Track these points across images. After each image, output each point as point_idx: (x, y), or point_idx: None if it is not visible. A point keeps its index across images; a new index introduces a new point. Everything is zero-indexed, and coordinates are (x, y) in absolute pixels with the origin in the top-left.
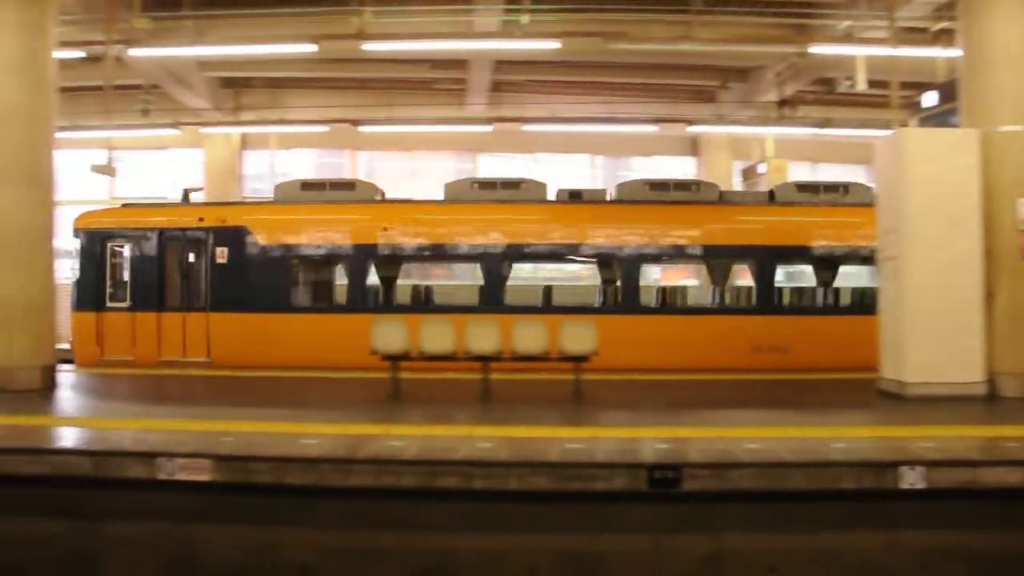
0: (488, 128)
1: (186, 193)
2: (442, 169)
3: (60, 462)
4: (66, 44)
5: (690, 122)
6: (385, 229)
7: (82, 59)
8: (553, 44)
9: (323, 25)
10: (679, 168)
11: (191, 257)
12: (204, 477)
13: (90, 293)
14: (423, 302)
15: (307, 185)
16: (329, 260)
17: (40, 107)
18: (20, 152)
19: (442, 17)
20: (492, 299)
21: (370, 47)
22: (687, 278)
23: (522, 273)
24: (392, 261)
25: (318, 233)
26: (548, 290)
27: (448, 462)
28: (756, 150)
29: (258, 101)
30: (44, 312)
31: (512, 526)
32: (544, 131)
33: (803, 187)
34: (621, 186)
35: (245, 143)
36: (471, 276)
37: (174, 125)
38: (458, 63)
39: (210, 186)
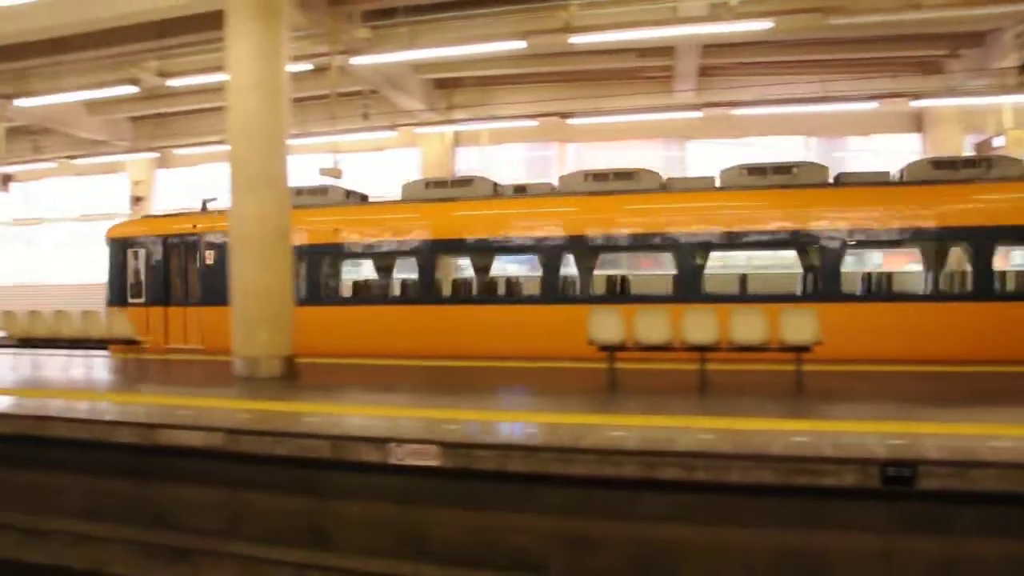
0: (697, 114)
1: (204, 203)
2: (650, 158)
3: (304, 445)
4: (296, 59)
5: (914, 96)
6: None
7: (309, 71)
8: (766, 24)
9: (531, 21)
10: (902, 146)
11: (188, 259)
12: (431, 463)
13: (116, 291)
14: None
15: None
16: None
17: (277, 120)
18: (263, 161)
19: (648, 5)
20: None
21: (577, 40)
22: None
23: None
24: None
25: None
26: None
27: (669, 453)
28: (991, 122)
29: (469, 99)
30: (284, 305)
31: (732, 520)
32: (754, 114)
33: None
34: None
35: (458, 140)
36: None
37: (392, 127)
38: (665, 50)
39: None
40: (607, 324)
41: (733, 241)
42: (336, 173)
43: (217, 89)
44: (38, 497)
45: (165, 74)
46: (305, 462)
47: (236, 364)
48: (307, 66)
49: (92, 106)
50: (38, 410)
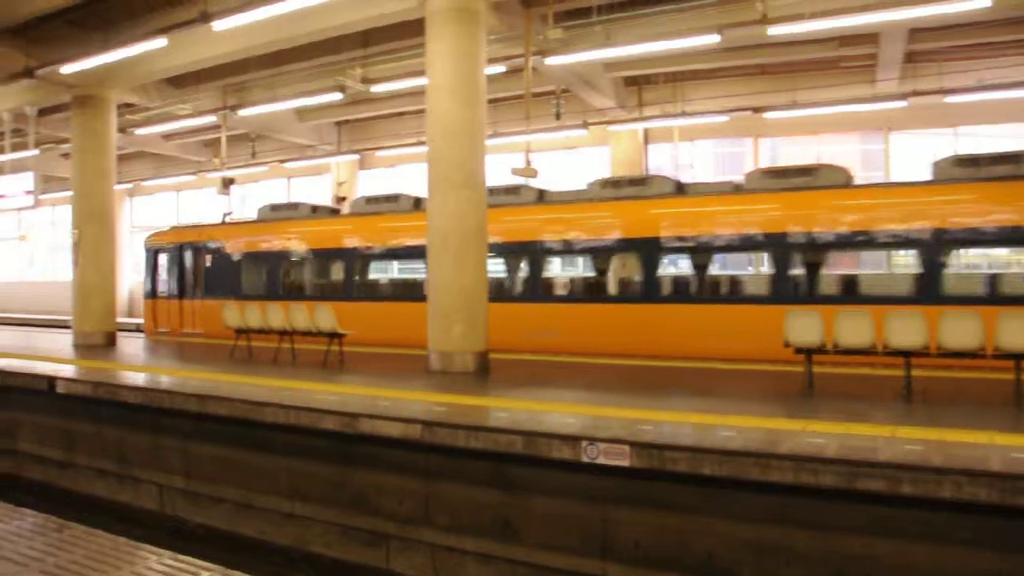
0: (901, 104)
1: (224, 216)
2: (848, 152)
3: (497, 439)
4: (491, 61)
5: None
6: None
7: (502, 72)
8: (983, 2)
9: (725, 14)
10: None
11: (196, 262)
12: (623, 462)
13: (149, 287)
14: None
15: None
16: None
17: (475, 120)
18: (462, 161)
19: None
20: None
21: (776, 31)
22: None
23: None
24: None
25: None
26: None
27: (872, 463)
28: None
29: (660, 96)
30: (478, 301)
31: (942, 538)
32: (968, 101)
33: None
34: None
35: (648, 137)
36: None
37: (583, 125)
38: (868, 37)
39: None
40: (805, 326)
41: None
42: (531, 172)
43: (416, 93)
44: (251, 475)
45: (368, 80)
46: (497, 456)
47: (431, 358)
48: (501, 68)
49: (302, 113)
50: (253, 396)
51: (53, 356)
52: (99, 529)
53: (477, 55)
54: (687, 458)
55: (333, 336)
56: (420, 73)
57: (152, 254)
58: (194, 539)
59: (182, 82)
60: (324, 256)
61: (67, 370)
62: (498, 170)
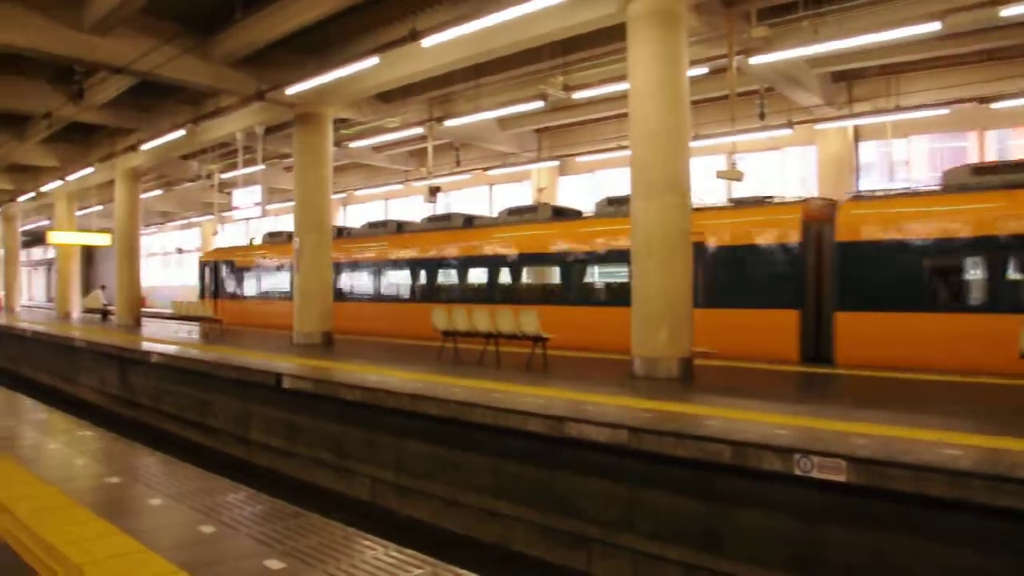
0: None
1: (251, 240)
2: None
3: (705, 448)
4: (692, 63)
5: None
6: None
7: (704, 74)
8: None
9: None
10: None
11: (225, 273)
12: (838, 477)
13: (201, 290)
14: None
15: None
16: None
17: (678, 124)
18: (664, 165)
19: None
20: None
21: (1012, 11)
22: None
23: None
24: None
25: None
26: None
27: None
28: None
29: (871, 91)
30: (683, 306)
31: None
32: None
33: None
34: None
35: (859, 135)
36: None
37: (788, 124)
38: None
39: (823, 180)
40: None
41: None
42: (736, 175)
43: (616, 98)
44: (458, 473)
45: (569, 88)
46: (704, 465)
47: (635, 363)
48: (703, 69)
49: (503, 122)
50: (462, 397)
51: (279, 354)
52: (316, 514)
53: (679, 58)
54: (911, 476)
55: (537, 340)
56: (621, 78)
57: (201, 267)
58: (401, 530)
59: (391, 97)
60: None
61: (291, 367)
62: (702, 173)
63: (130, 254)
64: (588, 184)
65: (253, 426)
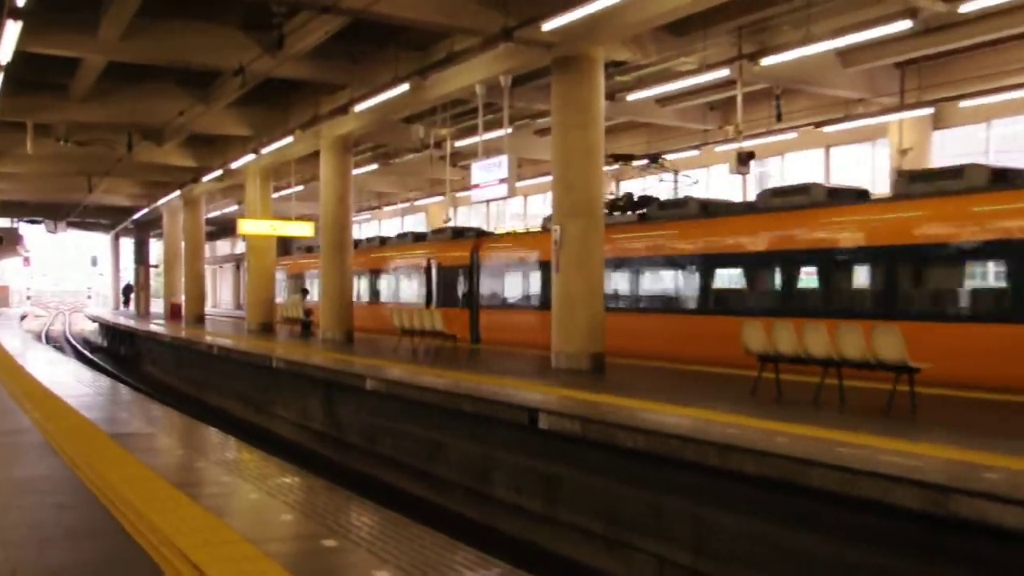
0: None
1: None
2: None
3: None
4: None
5: None
6: None
7: None
8: None
9: None
10: None
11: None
12: None
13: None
14: None
15: None
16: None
17: None
18: None
19: None
20: None
21: None
22: None
23: None
24: None
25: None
26: None
27: None
28: None
29: None
30: None
31: None
32: None
33: None
34: None
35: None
36: None
37: None
38: None
39: None
40: None
41: None
42: None
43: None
44: (790, 561)
45: None
46: None
47: None
48: None
49: (847, 55)
50: (791, 450)
51: (532, 382)
52: None
53: None
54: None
55: (900, 371)
56: None
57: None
58: None
59: (684, 28)
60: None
61: (549, 400)
62: None
63: (340, 248)
64: (974, 140)
65: (496, 479)
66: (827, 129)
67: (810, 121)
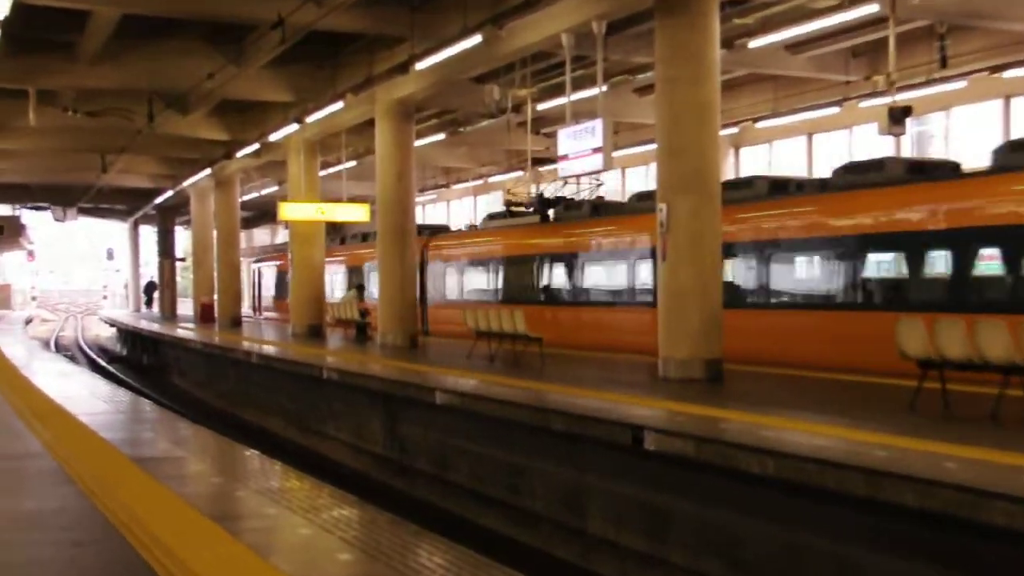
0: None
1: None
2: None
3: None
4: None
5: None
6: None
7: None
8: None
9: None
10: None
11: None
12: None
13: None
14: None
15: None
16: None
17: None
18: None
19: None
20: None
21: None
22: None
23: None
24: None
25: None
26: None
27: None
28: None
29: None
30: None
31: None
32: None
33: None
34: None
35: None
36: None
37: None
38: None
39: None
40: None
41: None
42: None
43: None
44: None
45: None
46: None
47: None
48: None
49: None
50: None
51: (634, 395)
52: None
53: None
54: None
55: None
56: None
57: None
58: None
59: None
60: None
61: (657, 416)
62: None
63: (400, 235)
64: None
65: (592, 511)
66: (1007, 74)
67: (985, 66)
